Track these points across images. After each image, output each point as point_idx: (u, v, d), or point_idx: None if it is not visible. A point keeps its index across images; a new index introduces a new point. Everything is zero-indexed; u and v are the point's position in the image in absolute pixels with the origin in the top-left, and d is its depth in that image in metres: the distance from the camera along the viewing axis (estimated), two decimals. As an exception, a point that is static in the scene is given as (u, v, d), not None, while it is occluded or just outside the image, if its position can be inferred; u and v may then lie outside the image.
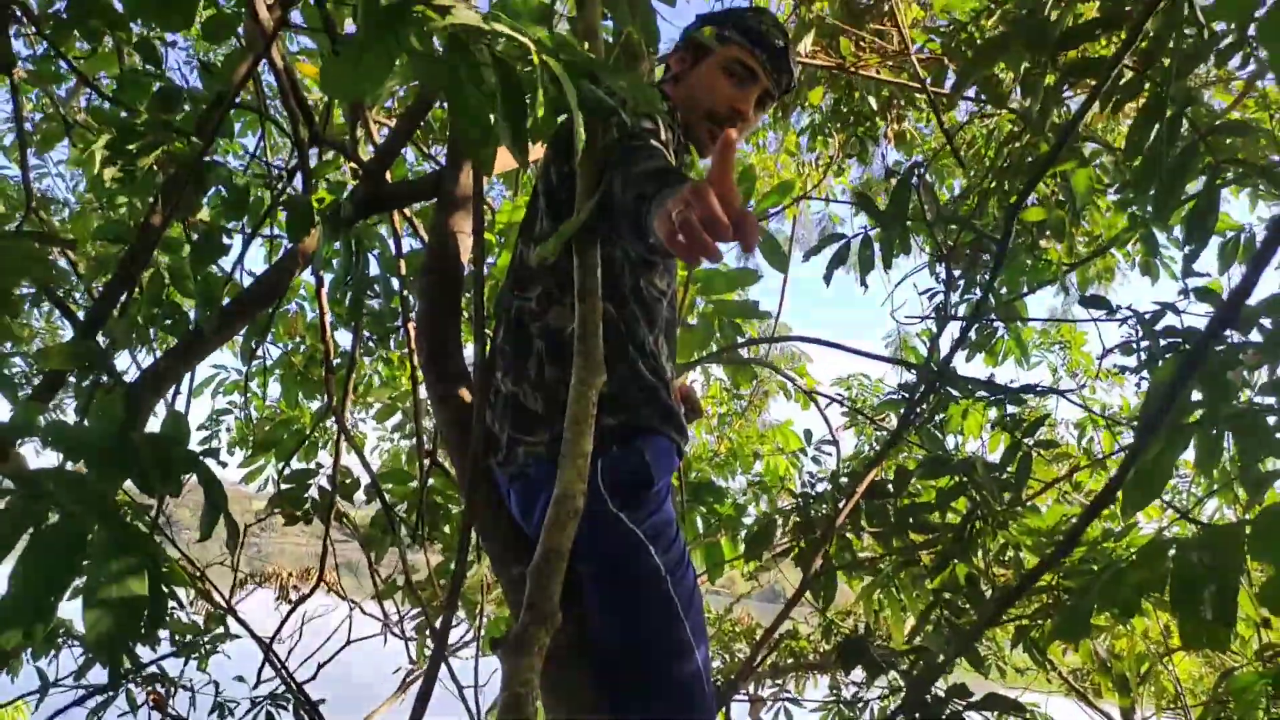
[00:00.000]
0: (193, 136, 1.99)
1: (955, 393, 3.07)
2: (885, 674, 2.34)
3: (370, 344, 3.68)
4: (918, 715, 2.09)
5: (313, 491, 3.32)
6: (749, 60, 1.99)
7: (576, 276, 1.59)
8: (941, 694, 2.18)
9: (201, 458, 1.39)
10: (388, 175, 2.47)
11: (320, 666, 3.38)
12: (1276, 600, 1.24)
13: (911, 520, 2.89)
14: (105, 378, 1.88)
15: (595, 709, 1.74)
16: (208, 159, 2.02)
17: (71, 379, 1.97)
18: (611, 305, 1.81)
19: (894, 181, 2.89)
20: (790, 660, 4.89)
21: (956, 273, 3.19)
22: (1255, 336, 1.58)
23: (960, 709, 2.07)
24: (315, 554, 3.65)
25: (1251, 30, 2.32)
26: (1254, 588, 2.87)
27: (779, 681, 4.87)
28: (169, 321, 2.16)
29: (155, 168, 2.03)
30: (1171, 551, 1.27)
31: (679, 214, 1.15)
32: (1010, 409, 3.05)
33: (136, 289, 2.11)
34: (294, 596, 4.83)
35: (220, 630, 3.18)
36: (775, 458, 4.81)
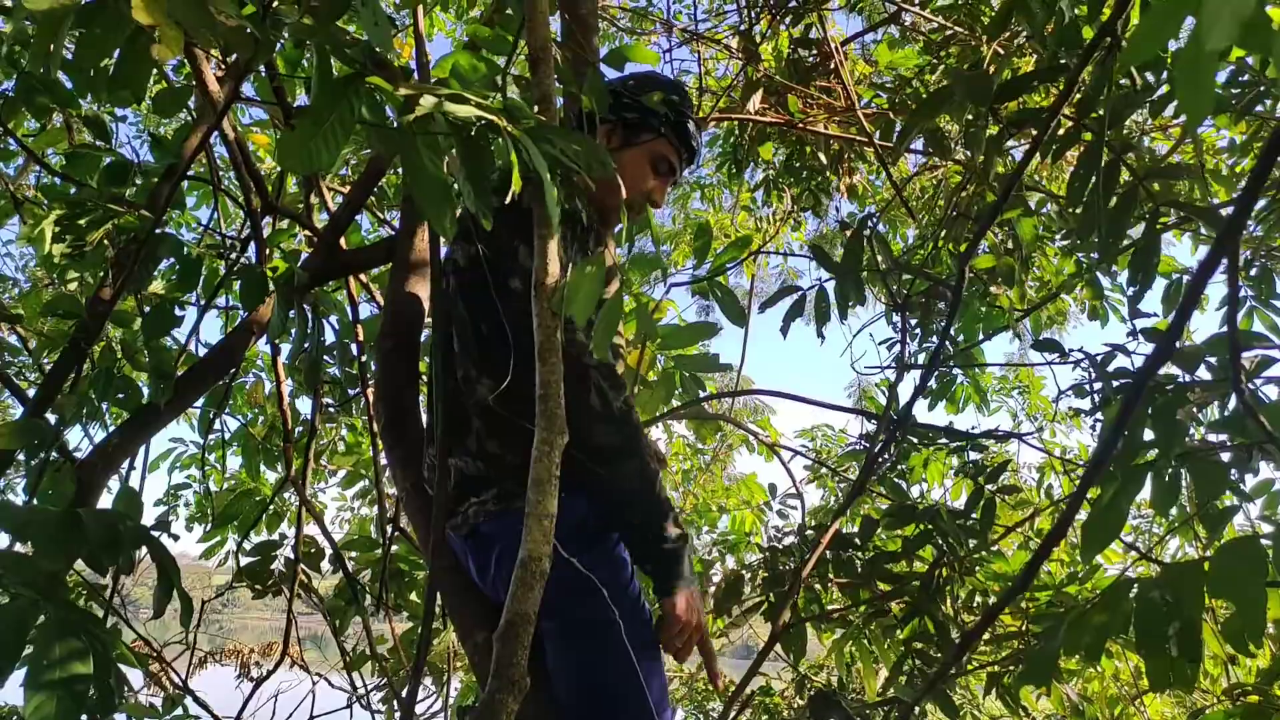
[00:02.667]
0: (143, 210, 1.98)
1: (916, 441, 3.09)
2: (858, 727, 2.31)
3: (331, 411, 3.64)
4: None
5: (278, 563, 3.26)
6: (673, 158, 2.09)
7: (537, 337, 1.59)
8: (916, 745, 2.17)
9: (153, 533, 1.36)
10: (342, 242, 2.46)
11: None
12: (1239, 637, 1.24)
13: (879, 570, 2.89)
14: (55, 455, 1.84)
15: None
16: (159, 231, 2.01)
17: (21, 457, 1.93)
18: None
19: (848, 233, 2.93)
20: (765, 717, 4.83)
21: (913, 322, 3.23)
22: (1204, 374, 1.61)
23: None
24: (278, 629, 3.57)
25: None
26: (1219, 625, 2.89)
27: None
28: (121, 396, 2.12)
29: (105, 242, 2.01)
30: (1133, 592, 1.28)
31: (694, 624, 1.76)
32: (972, 455, 3.07)
33: (88, 364, 2.08)
34: (256, 673, 4.71)
35: (179, 712, 3.08)
36: (741, 512, 4.79)
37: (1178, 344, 1.28)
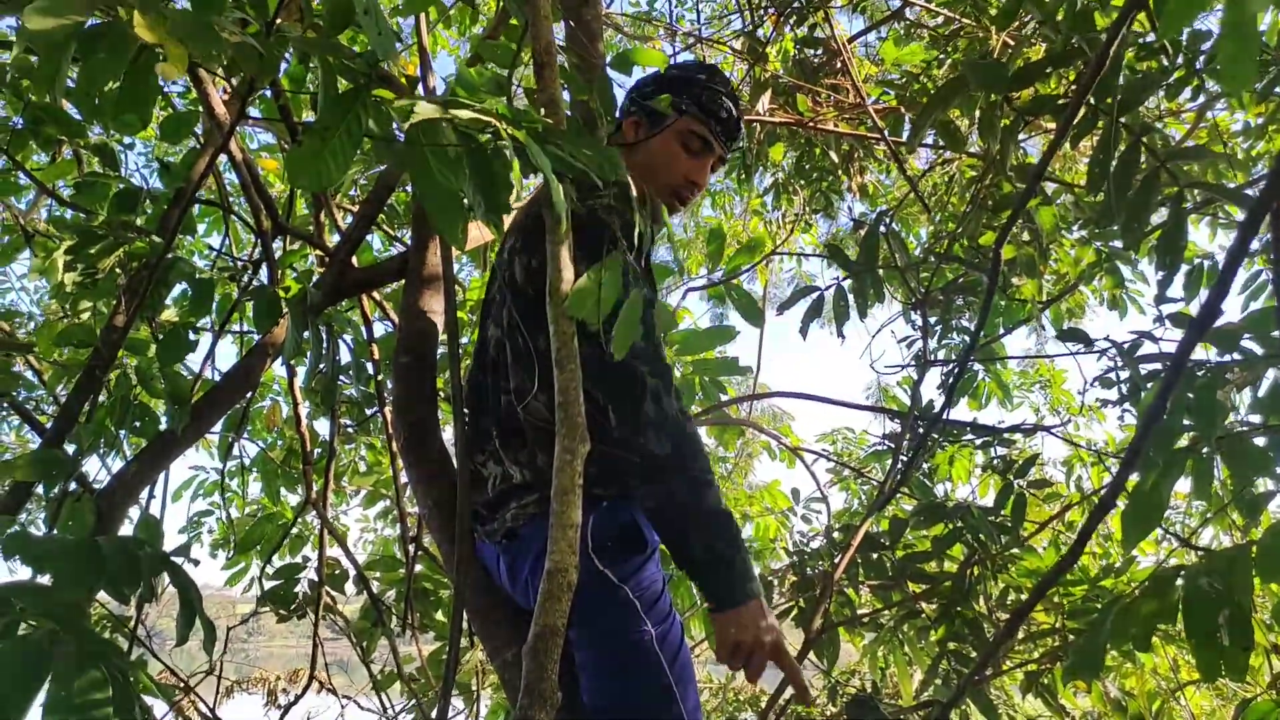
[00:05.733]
0: (154, 235, 1.97)
1: (941, 439, 3.05)
2: (897, 732, 2.27)
3: (349, 431, 3.63)
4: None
5: (301, 586, 3.24)
6: (704, 133, 2.01)
7: (553, 345, 1.56)
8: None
9: (173, 559, 1.34)
10: (354, 260, 2.45)
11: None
12: (1292, 622, 1.20)
13: (909, 571, 2.85)
14: (74, 486, 1.83)
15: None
16: (170, 256, 2.00)
17: (40, 489, 1.91)
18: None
19: (862, 232, 2.90)
20: (798, 725, 4.77)
21: (932, 319, 3.19)
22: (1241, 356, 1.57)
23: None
24: (304, 655, 3.55)
25: (1200, 64, 2.37)
26: (1259, 614, 2.84)
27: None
28: (138, 424, 2.11)
29: (117, 269, 2.00)
30: (1179, 580, 1.24)
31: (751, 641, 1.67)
32: (999, 451, 3.03)
33: (104, 392, 2.06)
34: (283, 700, 4.68)
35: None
36: (765, 519, 4.75)
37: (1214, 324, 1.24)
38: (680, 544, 1.70)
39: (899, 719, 2.31)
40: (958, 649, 2.72)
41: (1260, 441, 1.59)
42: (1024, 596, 2.88)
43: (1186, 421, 1.46)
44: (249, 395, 2.64)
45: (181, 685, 3.55)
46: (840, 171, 4.20)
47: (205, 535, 4.63)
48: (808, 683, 1.83)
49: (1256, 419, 1.65)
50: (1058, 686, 2.70)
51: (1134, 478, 1.59)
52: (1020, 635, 2.83)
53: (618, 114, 2.11)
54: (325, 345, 2.37)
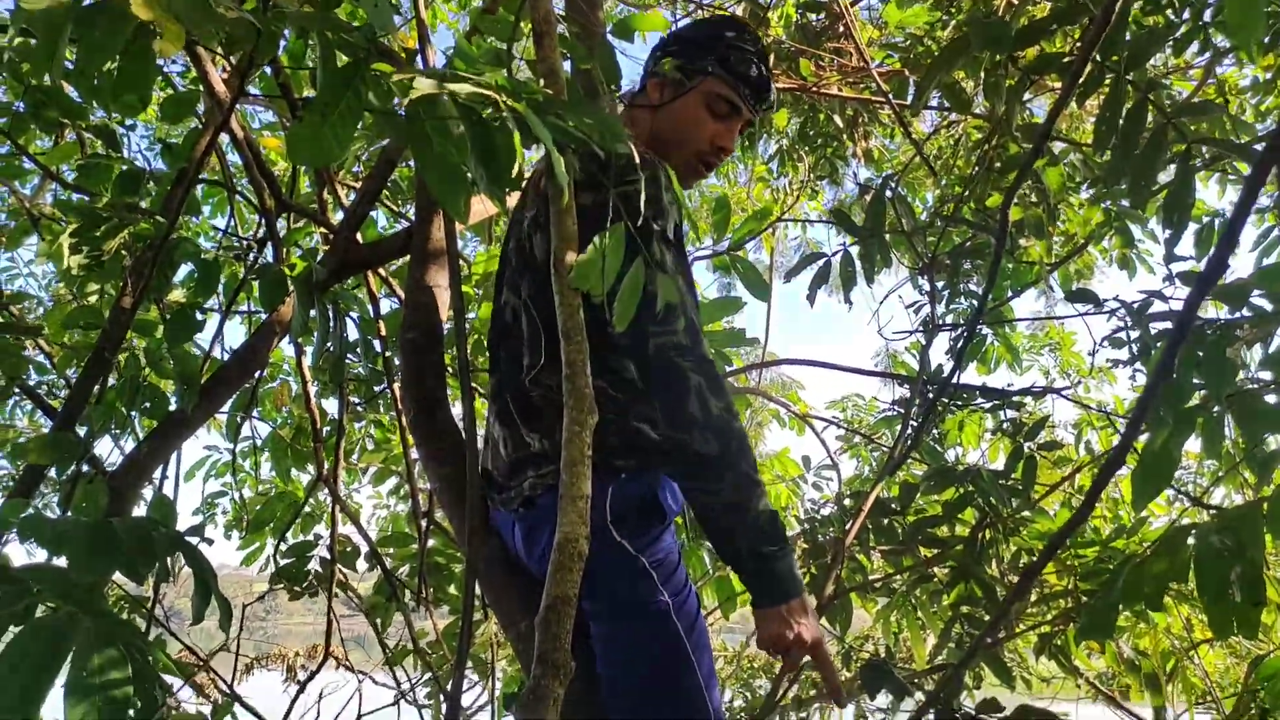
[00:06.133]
0: (158, 216, 1.97)
1: (951, 403, 3.05)
2: (910, 696, 2.27)
3: (358, 409, 3.63)
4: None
5: (314, 564, 3.26)
6: (731, 96, 1.95)
7: (559, 317, 1.56)
8: (971, 711, 2.13)
9: (186, 539, 1.34)
10: (359, 237, 2.44)
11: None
12: (1304, 577, 1.20)
13: (921, 536, 2.85)
14: (86, 468, 1.84)
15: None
16: (175, 236, 2.00)
17: (52, 473, 1.93)
18: (631, 363, 1.79)
19: (868, 198, 2.88)
20: (813, 692, 4.81)
21: (940, 284, 3.18)
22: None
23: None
24: (321, 632, 3.57)
25: (1207, 17, 2.34)
26: (1271, 570, 2.84)
27: (804, 714, 4.78)
28: (148, 405, 2.11)
29: (122, 251, 2.00)
30: (1191, 538, 1.24)
31: (792, 639, 1.67)
32: (1008, 414, 3.03)
33: (113, 374, 2.07)
34: (302, 676, 4.73)
35: (228, 719, 3.09)
36: (776, 486, 4.75)
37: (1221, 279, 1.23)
38: (726, 543, 1.69)
39: (913, 683, 2.32)
40: (970, 612, 2.73)
41: (1271, 399, 1.58)
42: (1035, 559, 2.89)
43: (1196, 380, 1.45)
44: (257, 375, 2.64)
45: (200, 664, 3.58)
46: (845, 137, 4.17)
47: (219, 516, 4.67)
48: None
49: (1267, 376, 1.64)
50: (1071, 648, 2.71)
51: (1144, 438, 1.58)
52: (1033, 598, 2.83)
53: (643, 74, 2.08)
54: (332, 323, 2.37)
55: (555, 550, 1.37)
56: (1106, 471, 1.09)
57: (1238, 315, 1.34)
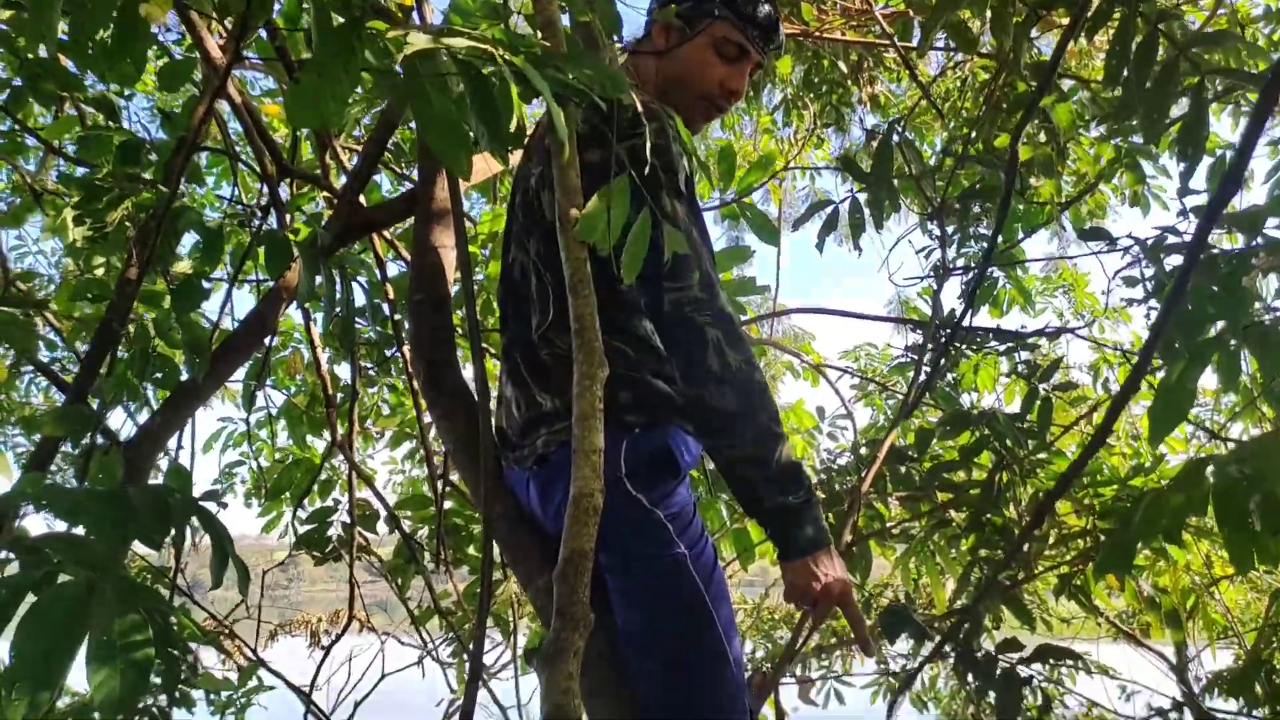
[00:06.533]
0: (160, 185, 1.96)
1: (965, 347, 3.03)
2: (930, 640, 2.29)
3: (370, 374, 3.64)
4: (970, 675, 2.05)
5: (334, 529, 3.28)
6: (739, 38, 1.92)
7: (566, 271, 1.55)
8: (992, 651, 2.14)
9: (202, 504, 1.35)
10: (362, 201, 2.43)
11: (357, 705, 3.34)
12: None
13: (937, 481, 2.84)
14: (100, 440, 1.84)
15: (630, 703, 1.72)
16: (178, 205, 1.99)
17: (67, 446, 1.93)
18: (644, 321, 1.78)
19: (875, 143, 2.85)
20: (833, 640, 4.84)
21: (950, 228, 3.14)
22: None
23: (1013, 663, 2.03)
24: (345, 598, 3.61)
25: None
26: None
27: (825, 662, 4.83)
28: (159, 375, 2.12)
29: (126, 222, 1.99)
30: (1209, 471, 1.22)
31: (819, 591, 1.67)
32: (1022, 356, 3.01)
33: (123, 346, 2.07)
34: (326, 641, 4.79)
35: (254, 684, 3.14)
36: (791, 438, 4.76)
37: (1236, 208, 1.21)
38: (749, 497, 1.69)
39: (932, 627, 2.33)
40: (989, 556, 2.73)
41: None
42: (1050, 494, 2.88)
43: (1212, 311, 1.43)
44: (268, 342, 2.64)
45: (225, 631, 3.62)
46: (850, 83, 4.11)
47: (238, 485, 4.70)
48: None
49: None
50: (1091, 587, 2.71)
51: (1160, 375, 1.57)
52: (1051, 539, 2.83)
53: (646, 20, 2.04)
54: (339, 288, 2.36)
55: (570, 505, 1.37)
56: (1119, 401, 1.08)
57: (1253, 244, 1.32)
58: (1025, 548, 2.58)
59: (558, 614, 1.32)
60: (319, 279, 2.25)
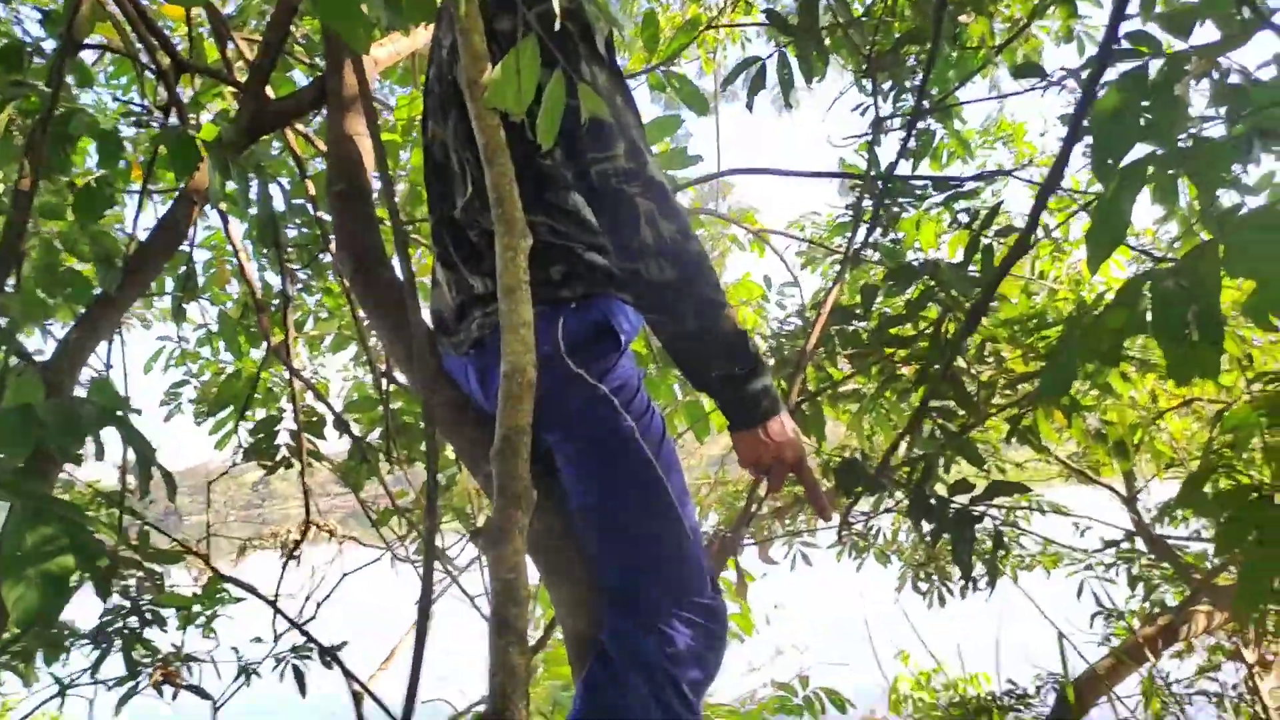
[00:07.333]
0: (43, 86, 1.83)
1: (904, 200, 2.98)
2: (885, 489, 2.31)
3: (301, 278, 3.53)
4: (923, 520, 2.07)
5: (284, 438, 3.24)
6: None
7: (479, 141, 1.47)
8: (944, 495, 2.16)
9: (118, 413, 1.29)
10: (270, 93, 2.30)
11: (319, 605, 3.36)
12: (1261, 312, 1.18)
13: (884, 336, 2.84)
14: (15, 360, 1.76)
15: (589, 582, 1.73)
16: (66, 108, 1.86)
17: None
18: (572, 194, 1.72)
19: (801, -3, 2.75)
20: (793, 501, 4.92)
21: (886, 84, 3.07)
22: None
23: (965, 504, 2.05)
24: (320, 513, 3.60)
25: None
26: (1232, 327, 2.86)
27: (789, 524, 4.91)
28: (70, 291, 2.02)
29: (13, 131, 1.87)
30: (1147, 287, 1.21)
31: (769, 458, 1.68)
32: (963, 207, 2.98)
33: (28, 262, 1.97)
34: (297, 553, 4.79)
35: (221, 597, 3.13)
36: (741, 310, 4.74)
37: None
38: (695, 370, 1.66)
39: (887, 476, 2.35)
40: (939, 406, 2.74)
41: (1220, 132, 1.52)
42: (1000, 347, 2.90)
43: (1144, 122, 1.38)
44: (190, 252, 2.54)
45: (191, 552, 3.59)
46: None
47: (187, 406, 4.61)
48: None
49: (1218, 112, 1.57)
50: (1041, 425, 2.74)
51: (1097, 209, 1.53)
52: (1001, 383, 2.85)
53: None
54: (254, 186, 2.26)
55: (503, 380, 1.33)
56: (1039, 203, 1.04)
57: (1187, 48, 1.28)
58: (974, 392, 2.59)
59: (498, 493, 1.28)
60: (232, 180, 2.15)
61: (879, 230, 3.08)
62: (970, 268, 2.75)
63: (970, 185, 2.77)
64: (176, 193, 3.18)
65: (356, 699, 3.24)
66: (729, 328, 1.62)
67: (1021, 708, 4.52)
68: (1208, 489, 1.45)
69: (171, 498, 1.35)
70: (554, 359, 1.66)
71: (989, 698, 4.39)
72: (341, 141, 2.22)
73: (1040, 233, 3.58)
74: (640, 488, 1.72)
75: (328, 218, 2.83)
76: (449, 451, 3.03)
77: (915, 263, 2.70)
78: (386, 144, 3.14)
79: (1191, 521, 4.27)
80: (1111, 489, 3.90)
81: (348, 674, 3.21)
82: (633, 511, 1.72)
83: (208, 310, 3.83)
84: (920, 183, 2.80)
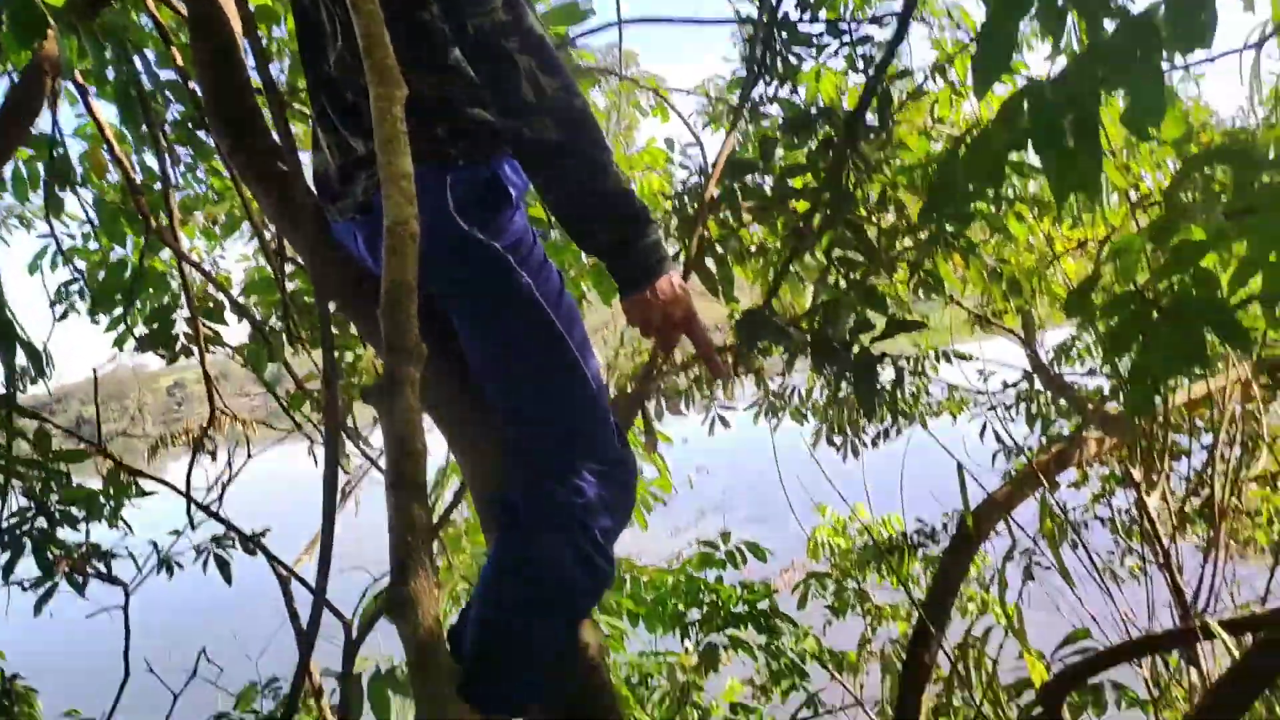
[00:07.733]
0: None
1: (800, 49, 2.93)
2: (790, 340, 2.33)
3: (182, 158, 3.35)
4: (828, 364, 2.10)
5: (181, 326, 3.14)
6: None
7: (344, -12, 1.39)
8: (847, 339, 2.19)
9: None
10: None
11: (225, 486, 3.33)
12: (1138, 123, 1.18)
13: (786, 188, 2.82)
14: None
15: (496, 443, 1.73)
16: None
17: None
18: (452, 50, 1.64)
19: None
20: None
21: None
22: None
23: (866, 346, 2.08)
24: (237, 409, 3.52)
25: None
26: (1115, 159, 2.91)
27: (696, 376, 4.95)
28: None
29: None
30: (1025, 102, 1.20)
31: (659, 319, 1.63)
32: (860, 52, 2.93)
33: None
34: (209, 447, 4.71)
35: (127, 490, 3.07)
36: (648, 176, 4.67)
37: None
38: (582, 232, 1.64)
39: (791, 326, 2.37)
40: (843, 255, 2.75)
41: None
42: (900, 195, 2.91)
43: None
44: (58, 138, 2.37)
45: (97, 450, 3.50)
46: None
47: (80, 305, 4.41)
48: (715, 328, 1.82)
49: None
50: (940, 269, 2.78)
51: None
52: (903, 230, 2.87)
53: None
54: (110, 52, 2.11)
55: (385, 235, 1.29)
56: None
57: None
58: (875, 239, 2.61)
59: (387, 348, 1.25)
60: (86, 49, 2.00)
61: (777, 83, 3.03)
62: (868, 116, 2.74)
63: (864, 30, 2.73)
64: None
65: (283, 582, 3.24)
66: (615, 186, 1.59)
67: (930, 543, 4.75)
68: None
69: (40, 373, 1.29)
70: (444, 219, 1.61)
71: (900, 537, 4.59)
72: (202, 3, 2.08)
73: (938, 82, 3.57)
74: (540, 343, 1.70)
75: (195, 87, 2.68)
76: (355, 330, 2.97)
77: (811, 110, 2.68)
78: (261, 9, 2.97)
79: (1087, 360, 4.45)
80: (1012, 332, 4.01)
81: (271, 558, 3.21)
82: (534, 366, 1.72)
83: (84, 196, 3.62)
84: (815, 29, 2.75)
